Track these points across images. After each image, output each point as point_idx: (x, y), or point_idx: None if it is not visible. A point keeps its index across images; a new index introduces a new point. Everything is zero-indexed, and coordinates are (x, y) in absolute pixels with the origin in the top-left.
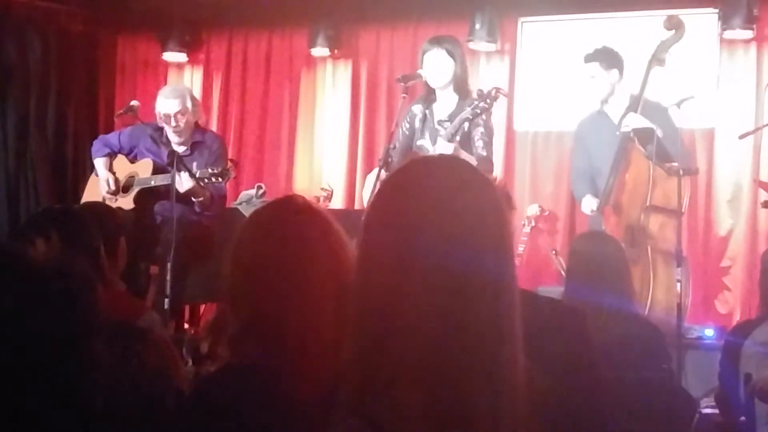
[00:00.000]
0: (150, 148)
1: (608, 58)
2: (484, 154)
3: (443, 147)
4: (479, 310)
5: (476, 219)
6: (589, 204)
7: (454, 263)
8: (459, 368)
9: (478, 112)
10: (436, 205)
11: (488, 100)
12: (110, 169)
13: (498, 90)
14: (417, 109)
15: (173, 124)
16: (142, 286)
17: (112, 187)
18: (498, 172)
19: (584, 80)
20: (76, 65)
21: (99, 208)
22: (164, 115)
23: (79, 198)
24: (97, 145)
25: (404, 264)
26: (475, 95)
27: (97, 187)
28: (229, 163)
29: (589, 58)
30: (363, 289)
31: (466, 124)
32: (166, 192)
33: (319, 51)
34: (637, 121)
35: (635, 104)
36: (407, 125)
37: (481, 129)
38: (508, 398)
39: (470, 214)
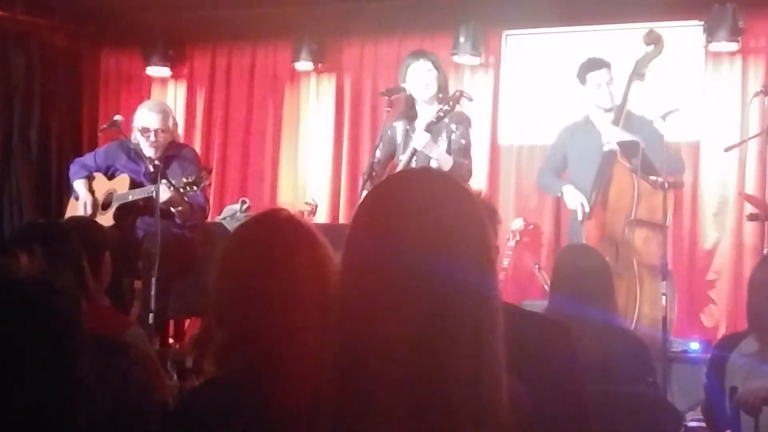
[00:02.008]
0: (127, 164)
1: (610, 65)
2: (462, 161)
3: (420, 136)
4: (459, 324)
5: (457, 233)
6: (575, 196)
7: (434, 277)
8: (439, 383)
9: (441, 115)
10: (417, 218)
11: (450, 103)
12: (89, 189)
13: (461, 93)
14: (398, 124)
15: (152, 139)
16: (127, 302)
17: (89, 210)
18: (482, 185)
19: (594, 87)
20: (60, 80)
21: (84, 223)
22: (143, 128)
23: (63, 213)
24: (74, 168)
25: (384, 277)
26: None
27: (77, 210)
28: (203, 171)
29: (599, 65)
30: (343, 302)
31: (443, 130)
32: (146, 207)
33: (303, 65)
34: (618, 135)
35: (617, 118)
36: (389, 141)
37: (461, 139)
38: (491, 413)
39: (451, 227)
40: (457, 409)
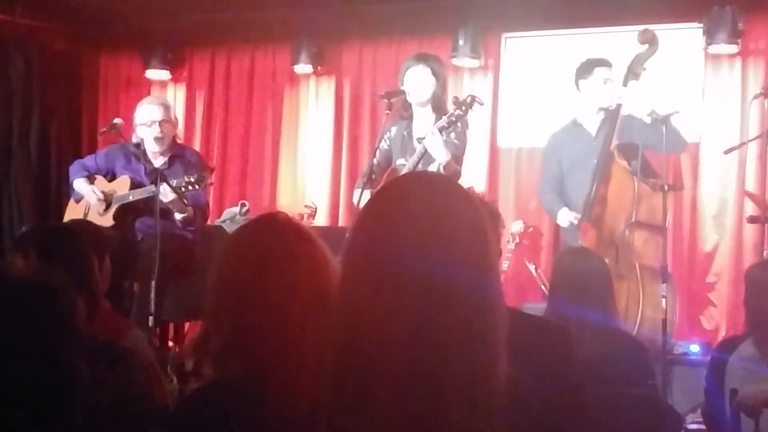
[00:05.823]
0: (127, 167)
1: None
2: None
3: (433, 139)
4: (457, 326)
5: (458, 237)
6: (566, 216)
7: (434, 280)
8: (435, 384)
9: (453, 119)
10: (419, 222)
11: (463, 107)
12: None
13: (474, 98)
14: (395, 129)
15: (157, 130)
16: (126, 304)
17: (100, 195)
18: (482, 188)
19: (600, 82)
20: (59, 83)
21: (85, 225)
22: (148, 120)
23: (62, 216)
24: (74, 168)
25: (384, 279)
26: (451, 104)
27: (76, 213)
28: (206, 170)
29: (606, 62)
30: (343, 304)
31: (443, 132)
32: (145, 208)
33: (302, 68)
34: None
35: (614, 119)
36: (386, 145)
37: (455, 140)
38: (485, 416)
39: (452, 232)
40: (451, 410)
